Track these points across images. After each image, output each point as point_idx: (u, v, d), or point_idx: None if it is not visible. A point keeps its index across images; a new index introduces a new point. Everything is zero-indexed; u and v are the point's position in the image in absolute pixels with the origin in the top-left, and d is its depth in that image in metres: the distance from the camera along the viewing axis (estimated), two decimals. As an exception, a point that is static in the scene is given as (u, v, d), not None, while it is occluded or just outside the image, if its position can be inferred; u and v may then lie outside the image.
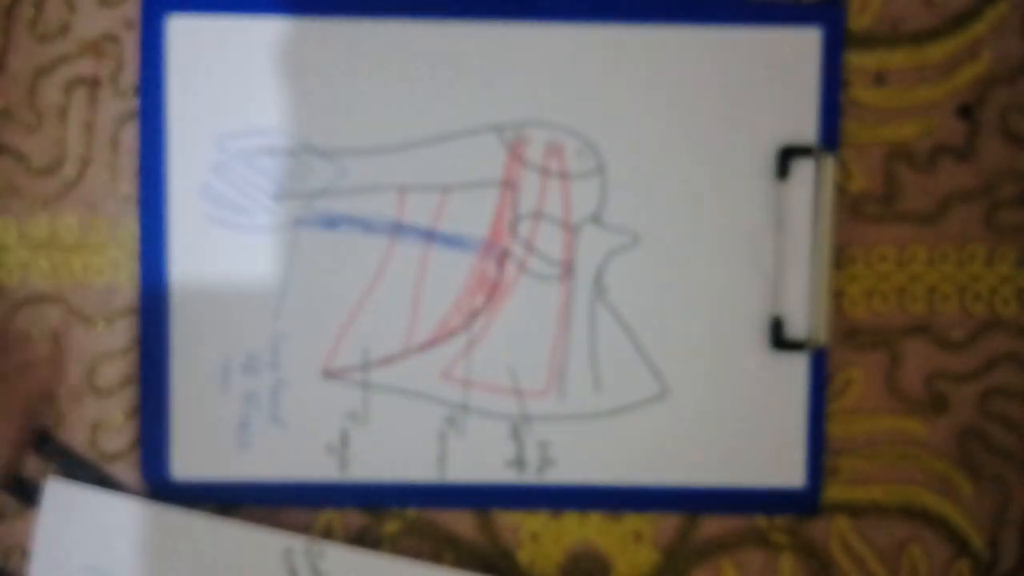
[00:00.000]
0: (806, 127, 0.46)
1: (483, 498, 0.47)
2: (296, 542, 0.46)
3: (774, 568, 0.48)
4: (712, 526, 0.48)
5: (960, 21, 0.47)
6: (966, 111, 0.47)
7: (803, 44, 0.46)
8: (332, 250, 0.47)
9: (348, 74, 0.46)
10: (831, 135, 0.46)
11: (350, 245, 0.47)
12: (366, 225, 0.47)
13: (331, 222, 0.47)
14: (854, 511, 0.48)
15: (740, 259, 0.47)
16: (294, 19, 0.46)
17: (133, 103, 0.48)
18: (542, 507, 0.47)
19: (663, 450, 0.47)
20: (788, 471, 0.47)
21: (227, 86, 0.47)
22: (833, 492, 0.47)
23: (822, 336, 0.46)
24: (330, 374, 0.47)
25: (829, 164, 0.46)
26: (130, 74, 0.48)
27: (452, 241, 0.47)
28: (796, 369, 0.47)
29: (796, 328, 0.47)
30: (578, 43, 0.46)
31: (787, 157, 0.46)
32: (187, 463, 0.47)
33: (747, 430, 0.47)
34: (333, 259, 0.47)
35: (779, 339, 0.46)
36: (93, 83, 0.48)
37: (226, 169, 0.47)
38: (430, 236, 0.47)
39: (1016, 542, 0.48)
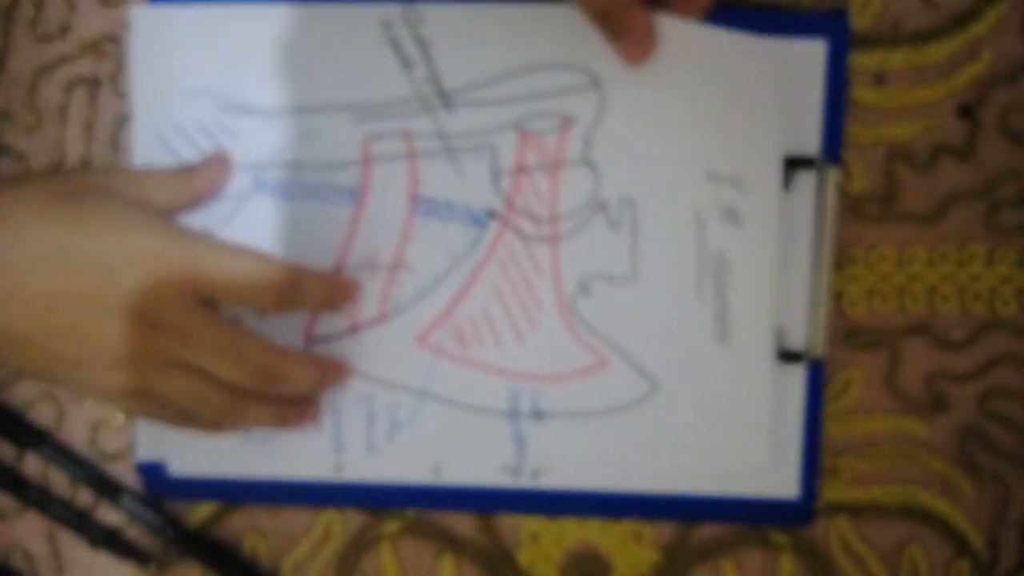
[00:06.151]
0: (809, 138, 0.46)
1: (480, 502, 0.47)
2: (392, 11, 0.45)
3: (774, 568, 0.48)
4: (712, 526, 0.48)
5: (960, 21, 0.47)
6: (966, 111, 0.47)
7: (808, 56, 0.46)
8: (329, 239, 0.46)
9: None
10: (834, 146, 0.46)
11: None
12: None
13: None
14: (854, 511, 0.48)
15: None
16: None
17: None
18: (537, 512, 0.47)
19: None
20: (783, 482, 0.47)
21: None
22: (833, 492, 0.47)
23: (820, 348, 0.46)
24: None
25: (832, 175, 0.46)
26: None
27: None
28: (794, 380, 0.47)
29: (796, 339, 0.46)
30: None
31: (790, 168, 0.46)
32: (185, 462, 0.47)
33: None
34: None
35: (778, 350, 0.46)
36: (93, 83, 0.48)
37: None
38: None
39: (1016, 542, 0.48)
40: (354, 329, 0.46)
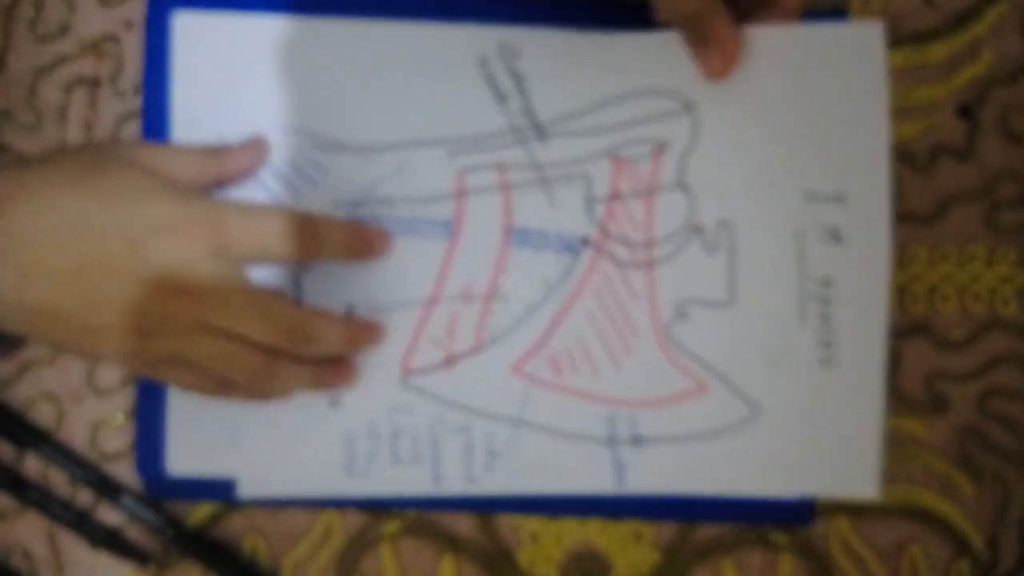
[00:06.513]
0: None
1: (480, 503, 0.47)
2: (488, 47, 0.45)
3: (774, 568, 0.48)
4: (711, 526, 0.48)
5: (960, 21, 0.47)
6: (966, 111, 0.47)
7: None
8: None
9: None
10: None
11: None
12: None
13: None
14: (854, 511, 0.48)
15: None
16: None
17: (133, 103, 0.48)
18: (537, 512, 0.47)
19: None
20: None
21: (231, 84, 0.46)
22: (833, 492, 0.47)
23: None
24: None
25: None
26: (130, 74, 0.48)
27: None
28: None
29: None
30: None
31: None
32: (183, 460, 0.47)
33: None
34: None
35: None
36: (93, 83, 0.48)
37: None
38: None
39: (1016, 542, 0.48)
40: (450, 360, 0.46)
